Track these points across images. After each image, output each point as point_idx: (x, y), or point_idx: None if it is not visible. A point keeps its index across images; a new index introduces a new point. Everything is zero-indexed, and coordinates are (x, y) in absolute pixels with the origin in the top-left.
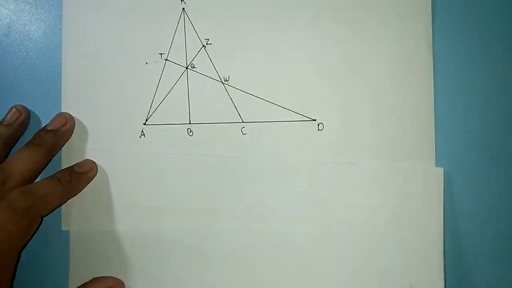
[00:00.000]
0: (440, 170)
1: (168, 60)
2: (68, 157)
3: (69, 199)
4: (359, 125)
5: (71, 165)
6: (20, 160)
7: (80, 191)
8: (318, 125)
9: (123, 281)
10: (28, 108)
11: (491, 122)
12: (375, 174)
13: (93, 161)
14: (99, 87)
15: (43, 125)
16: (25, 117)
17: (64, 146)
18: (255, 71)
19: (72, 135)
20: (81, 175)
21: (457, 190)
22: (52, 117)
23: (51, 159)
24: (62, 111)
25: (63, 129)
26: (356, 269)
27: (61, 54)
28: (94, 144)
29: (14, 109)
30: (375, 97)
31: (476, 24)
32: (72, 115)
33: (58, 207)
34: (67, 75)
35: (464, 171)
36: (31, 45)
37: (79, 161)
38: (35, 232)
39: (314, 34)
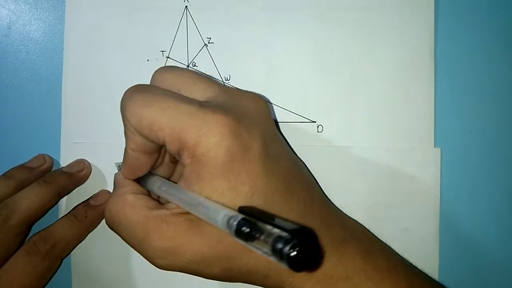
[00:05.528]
0: (437, 150)
1: (169, 57)
2: (67, 153)
3: (88, 233)
4: (358, 128)
5: (86, 198)
6: (27, 197)
7: (98, 224)
8: (318, 127)
9: (125, 270)
10: (28, 108)
11: (493, 123)
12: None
13: (109, 192)
14: (100, 83)
15: (43, 126)
16: (49, 165)
17: (63, 141)
18: (256, 71)
19: (71, 131)
20: (98, 208)
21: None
22: (52, 118)
23: (59, 200)
24: (80, 158)
25: (79, 175)
26: None
27: (62, 54)
28: (94, 139)
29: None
30: (376, 99)
31: (479, 25)
32: (73, 110)
33: (78, 244)
34: (68, 70)
35: (464, 172)
36: (31, 45)
37: (78, 157)
38: (54, 274)
39: (316, 36)
